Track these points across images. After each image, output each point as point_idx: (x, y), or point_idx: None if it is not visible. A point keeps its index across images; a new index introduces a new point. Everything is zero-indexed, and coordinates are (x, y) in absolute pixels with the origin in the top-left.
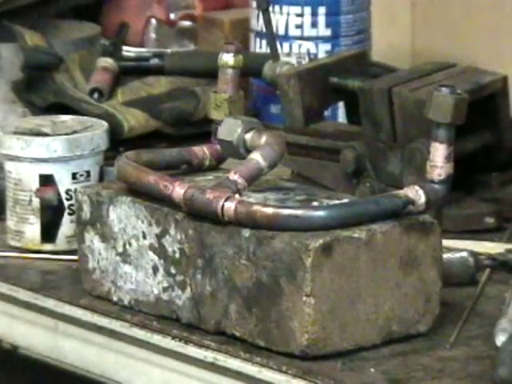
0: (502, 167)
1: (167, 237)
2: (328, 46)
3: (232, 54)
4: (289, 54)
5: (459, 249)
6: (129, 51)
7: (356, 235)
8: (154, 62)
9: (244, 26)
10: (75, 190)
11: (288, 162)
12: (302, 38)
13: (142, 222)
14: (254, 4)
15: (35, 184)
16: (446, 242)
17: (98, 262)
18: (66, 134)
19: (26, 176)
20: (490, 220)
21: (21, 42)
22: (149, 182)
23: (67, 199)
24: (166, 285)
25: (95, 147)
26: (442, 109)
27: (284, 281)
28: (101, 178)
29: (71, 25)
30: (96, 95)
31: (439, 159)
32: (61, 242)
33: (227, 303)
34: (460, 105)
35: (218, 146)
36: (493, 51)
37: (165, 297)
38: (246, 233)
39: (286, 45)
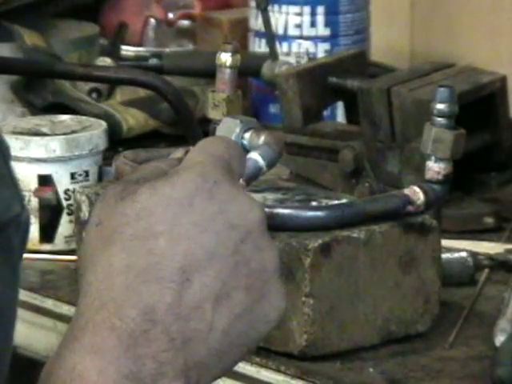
0: (500, 167)
1: None
2: (327, 46)
3: (230, 54)
4: (288, 54)
5: (458, 249)
6: (127, 51)
7: (355, 235)
8: (153, 61)
9: (243, 26)
10: (74, 189)
11: (287, 162)
12: (301, 37)
13: None
14: (253, 3)
15: (34, 184)
16: (445, 242)
17: None
18: (65, 134)
19: (25, 176)
20: (488, 220)
21: (19, 42)
22: None
23: (66, 199)
24: None
25: (94, 147)
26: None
27: (283, 281)
28: (100, 178)
29: (70, 24)
30: (95, 95)
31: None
32: (59, 242)
33: None
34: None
35: None
36: (491, 51)
37: None
38: None
39: (284, 44)
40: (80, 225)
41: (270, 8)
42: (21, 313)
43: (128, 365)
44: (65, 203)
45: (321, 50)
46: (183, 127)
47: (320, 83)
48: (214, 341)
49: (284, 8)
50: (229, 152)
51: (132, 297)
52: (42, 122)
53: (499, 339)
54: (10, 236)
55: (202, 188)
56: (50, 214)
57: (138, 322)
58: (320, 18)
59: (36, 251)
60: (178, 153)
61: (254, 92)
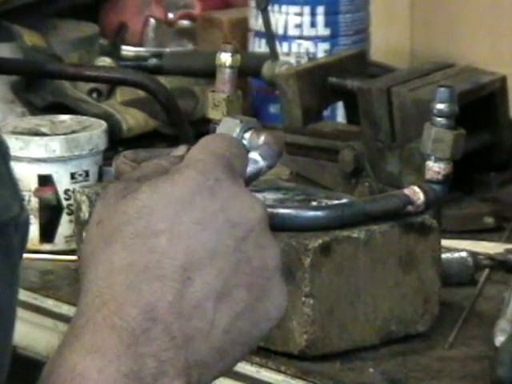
0: (500, 167)
1: None
2: (327, 46)
3: (230, 54)
4: (288, 54)
5: (458, 249)
6: (127, 51)
7: (355, 235)
8: (153, 61)
9: (243, 26)
10: (74, 189)
11: (287, 162)
12: (301, 37)
13: None
14: (253, 3)
15: (34, 184)
16: (445, 242)
17: None
18: (65, 134)
19: (25, 176)
20: (488, 220)
21: (19, 42)
22: None
23: (66, 199)
24: None
25: (94, 147)
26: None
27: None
28: (100, 178)
29: (70, 24)
30: (95, 95)
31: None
32: (59, 242)
33: None
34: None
35: None
36: (491, 51)
37: None
38: None
39: (285, 44)
40: (80, 225)
41: (270, 8)
42: (21, 313)
43: (128, 364)
44: (65, 203)
45: (321, 50)
46: (174, 128)
47: (320, 83)
48: (216, 339)
49: (284, 8)
50: (230, 150)
51: (133, 295)
52: (42, 122)
53: (499, 339)
54: (10, 236)
55: (203, 186)
56: (50, 214)
57: (138, 320)
58: (320, 18)
59: (36, 251)
60: (179, 150)
61: (254, 92)
